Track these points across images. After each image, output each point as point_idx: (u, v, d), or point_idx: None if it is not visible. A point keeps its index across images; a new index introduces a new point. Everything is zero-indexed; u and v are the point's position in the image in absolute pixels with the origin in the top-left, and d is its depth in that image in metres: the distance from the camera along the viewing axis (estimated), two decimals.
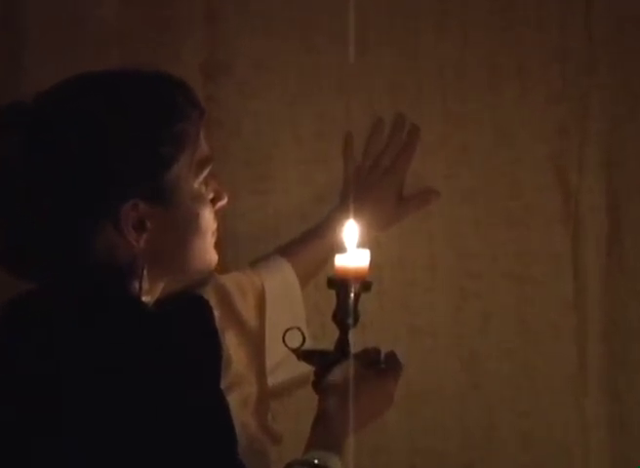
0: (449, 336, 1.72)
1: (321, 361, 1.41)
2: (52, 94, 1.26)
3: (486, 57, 1.70)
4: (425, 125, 1.70)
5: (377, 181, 1.69)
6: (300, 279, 1.62)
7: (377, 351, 1.41)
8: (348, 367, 1.37)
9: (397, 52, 1.69)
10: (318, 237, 1.65)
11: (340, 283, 1.41)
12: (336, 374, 1.37)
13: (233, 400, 1.38)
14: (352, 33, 1.65)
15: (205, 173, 1.29)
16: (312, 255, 1.64)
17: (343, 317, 1.41)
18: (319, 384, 1.39)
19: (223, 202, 1.33)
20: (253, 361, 1.53)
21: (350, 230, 1.44)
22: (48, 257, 1.24)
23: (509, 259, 1.72)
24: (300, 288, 1.62)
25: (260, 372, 1.54)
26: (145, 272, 1.25)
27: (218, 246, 1.34)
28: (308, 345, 1.45)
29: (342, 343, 1.41)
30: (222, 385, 1.27)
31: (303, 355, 1.42)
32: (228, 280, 1.55)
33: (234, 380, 1.47)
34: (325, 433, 1.32)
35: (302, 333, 1.42)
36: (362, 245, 1.44)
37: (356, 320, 1.41)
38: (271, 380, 1.55)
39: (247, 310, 1.55)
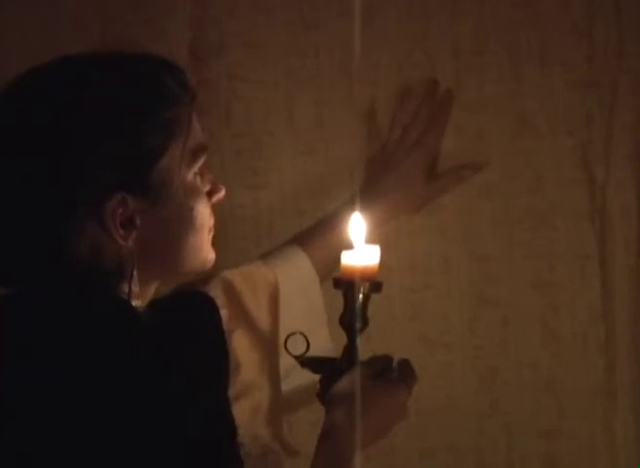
0: (465, 348, 1.75)
1: (327, 369, 1.43)
2: (25, 79, 1.27)
3: (504, 37, 1.72)
4: None
5: (404, 157, 1.69)
6: (318, 273, 1.61)
7: (388, 358, 1.44)
8: (356, 376, 1.39)
9: (406, 31, 1.72)
10: (339, 224, 1.59)
11: (346, 283, 1.42)
12: (343, 384, 1.39)
13: (243, 408, 1.42)
14: (356, 9, 1.68)
15: (199, 162, 1.31)
16: (332, 245, 1.59)
17: (351, 320, 1.43)
18: (325, 395, 1.41)
19: (221, 195, 1.35)
20: (265, 365, 1.54)
21: (358, 224, 1.45)
22: (28, 260, 1.26)
23: (530, 262, 1.74)
24: (320, 283, 1.61)
25: (273, 378, 1.54)
26: (135, 273, 1.26)
27: (215, 243, 1.36)
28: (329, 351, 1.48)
29: (350, 350, 1.43)
30: (231, 393, 1.29)
31: (307, 363, 1.45)
32: (237, 275, 1.56)
33: (244, 387, 1.49)
34: (332, 449, 1.35)
35: (306, 339, 1.44)
36: (371, 240, 1.45)
37: (365, 324, 1.43)
38: (285, 386, 1.56)
39: (258, 309, 1.56)
